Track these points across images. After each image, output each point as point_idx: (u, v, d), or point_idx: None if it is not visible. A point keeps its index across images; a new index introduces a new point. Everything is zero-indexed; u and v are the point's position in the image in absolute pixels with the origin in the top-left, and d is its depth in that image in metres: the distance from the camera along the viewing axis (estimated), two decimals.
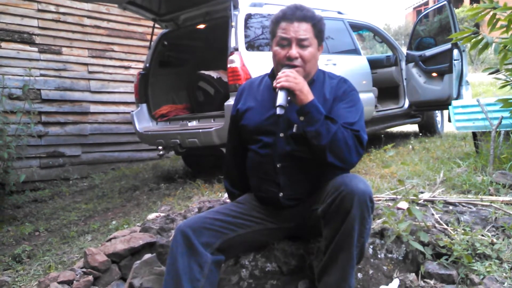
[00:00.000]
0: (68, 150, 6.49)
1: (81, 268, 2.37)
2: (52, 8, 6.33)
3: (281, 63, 1.89)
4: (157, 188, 5.08)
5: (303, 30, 1.87)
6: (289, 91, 1.75)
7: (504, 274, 1.85)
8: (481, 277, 1.84)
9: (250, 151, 2.01)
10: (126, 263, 2.37)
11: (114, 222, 4.03)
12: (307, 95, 1.76)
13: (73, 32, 6.57)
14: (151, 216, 2.85)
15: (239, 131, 2.06)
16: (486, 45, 3.02)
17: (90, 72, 6.73)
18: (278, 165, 1.90)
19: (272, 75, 2.01)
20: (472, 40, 3.10)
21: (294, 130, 1.85)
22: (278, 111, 1.73)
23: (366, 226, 1.67)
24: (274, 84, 1.79)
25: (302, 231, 1.99)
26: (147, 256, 2.14)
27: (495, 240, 2.05)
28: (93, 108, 6.76)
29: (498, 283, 1.79)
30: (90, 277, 2.26)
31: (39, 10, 6.20)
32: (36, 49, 6.16)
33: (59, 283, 2.24)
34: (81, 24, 6.66)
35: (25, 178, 5.07)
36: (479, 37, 3.05)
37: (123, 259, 2.39)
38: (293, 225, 1.95)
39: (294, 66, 1.85)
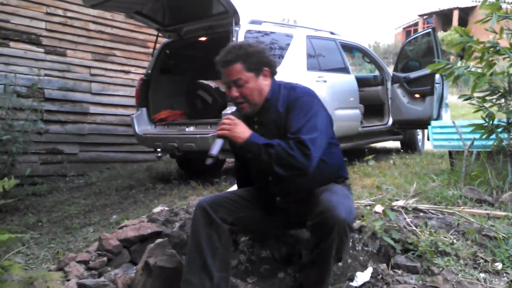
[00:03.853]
0: (66, 147, 6.77)
1: (96, 251, 2.68)
2: (60, 12, 6.65)
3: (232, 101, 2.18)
4: (153, 188, 5.36)
5: (235, 71, 2.07)
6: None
7: (460, 268, 2.22)
8: (440, 269, 2.21)
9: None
10: (136, 248, 2.69)
11: (114, 216, 4.31)
12: (241, 135, 1.97)
13: (78, 35, 6.89)
14: (157, 209, 3.17)
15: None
16: (458, 76, 3.42)
17: (92, 75, 7.05)
18: (270, 178, 2.22)
19: None
20: (446, 72, 3.50)
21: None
22: (208, 161, 1.98)
23: (344, 248, 1.93)
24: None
25: (298, 224, 2.32)
26: (160, 240, 2.47)
27: (455, 241, 2.43)
28: (92, 109, 7.06)
29: (453, 274, 2.16)
30: (105, 258, 2.57)
31: (47, 13, 6.51)
32: (42, 50, 6.47)
33: (77, 262, 2.55)
34: (86, 29, 6.99)
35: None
36: (451, 69, 3.44)
37: (133, 244, 2.71)
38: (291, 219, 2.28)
39: (240, 103, 2.12)
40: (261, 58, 2.13)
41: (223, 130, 2.00)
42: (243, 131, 1.99)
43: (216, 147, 1.99)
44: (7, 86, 5.39)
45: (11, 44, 6.14)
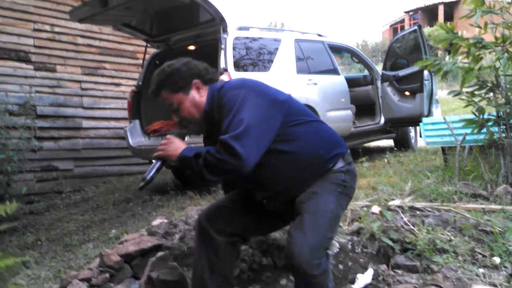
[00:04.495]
0: (61, 164, 6.75)
1: (97, 267, 2.68)
2: (48, 27, 6.65)
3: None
4: (150, 200, 5.36)
5: (164, 99, 2.04)
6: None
7: (459, 264, 2.25)
8: (440, 266, 2.24)
9: None
10: (137, 263, 2.69)
11: (113, 231, 4.31)
12: (174, 152, 1.94)
13: (67, 50, 6.89)
14: (156, 222, 3.18)
15: None
16: (446, 72, 3.46)
17: (82, 89, 7.04)
18: (250, 186, 2.17)
19: None
20: (434, 68, 3.53)
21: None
22: (140, 184, 1.99)
23: (315, 286, 1.82)
24: None
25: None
26: (161, 253, 2.48)
27: (452, 238, 2.46)
28: (85, 123, 7.05)
29: (453, 271, 2.19)
30: (107, 275, 2.58)
31: (35, 30, 6.50)
32: (31, 66, 6.46)
33: (79, 280, 2.55)
34: (75, 43, 6.99)
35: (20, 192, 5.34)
36: (439, 66, 3.47)
37: (134, 259, 2.71)
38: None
39: (185, 126, 2.11)
40: (184, 74, 2.02)
41: (158, 152, 1.99)
42: (176, 148, 1.95)
43: (152, 170, 1.98)
44: None
45: (0, 62, 6.13)
